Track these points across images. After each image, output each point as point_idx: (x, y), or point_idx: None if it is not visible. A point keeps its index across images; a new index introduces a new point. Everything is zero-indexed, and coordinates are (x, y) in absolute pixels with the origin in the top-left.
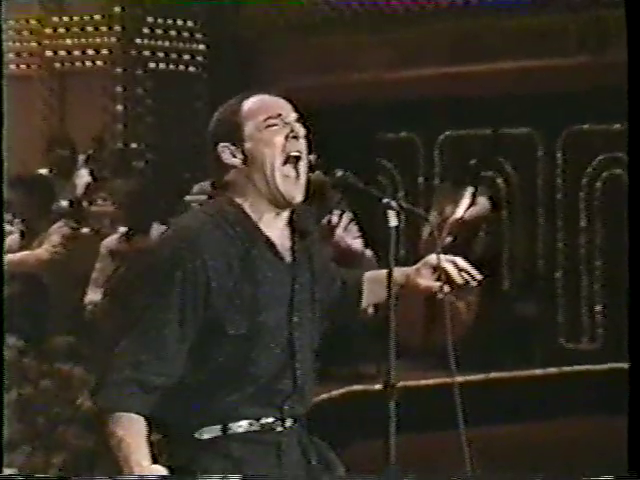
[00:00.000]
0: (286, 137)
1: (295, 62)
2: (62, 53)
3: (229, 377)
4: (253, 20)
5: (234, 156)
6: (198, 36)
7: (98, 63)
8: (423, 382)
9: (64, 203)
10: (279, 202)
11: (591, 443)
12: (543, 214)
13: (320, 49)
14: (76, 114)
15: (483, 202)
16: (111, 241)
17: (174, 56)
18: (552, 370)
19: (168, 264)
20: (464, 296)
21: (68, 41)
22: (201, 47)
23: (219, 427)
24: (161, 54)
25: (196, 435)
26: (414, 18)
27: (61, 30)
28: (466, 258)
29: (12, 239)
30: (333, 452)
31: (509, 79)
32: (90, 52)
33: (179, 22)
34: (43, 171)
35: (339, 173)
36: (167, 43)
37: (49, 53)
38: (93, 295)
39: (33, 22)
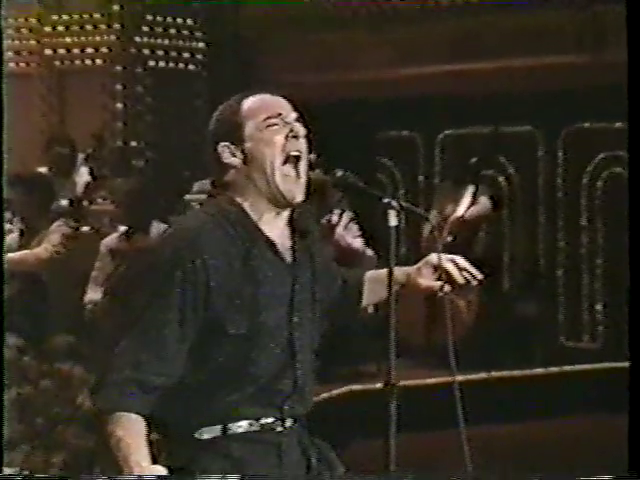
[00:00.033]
0: (286, 137)
1: (295, 60)
2: (61, 51)
3: (229, 377)
4: (253, 18)
5: (234, 156)
6: (198, 34)
7: (97, 61)
8: (423, 381)
9: (64, 202)
10: (279, 202)
11: (591, 442)
12: (544, 213)
13: (320, 47)
14: (76, 112)
15: (484, 201)
16: (111, 240)
17: (174, 54)
18: (553, 369)
19: (168, 264)
20: (465, 295)
21: (67, 39)
22: (201, 45)
23: (219, 427)
24: (161, 52)
25: (196, 435)
26: (414, 17)
27: (60, 28)
28: (467, 257)
29: (12, 238)
30: (333, 452)
31: (510, 77)
32: (89, 50)
33: (179, 20)
34: (42, 170)
35: (339, 173)
36: (167, 41)
37: (48, 51)
38: (93, 294)
39: (32, 20)
